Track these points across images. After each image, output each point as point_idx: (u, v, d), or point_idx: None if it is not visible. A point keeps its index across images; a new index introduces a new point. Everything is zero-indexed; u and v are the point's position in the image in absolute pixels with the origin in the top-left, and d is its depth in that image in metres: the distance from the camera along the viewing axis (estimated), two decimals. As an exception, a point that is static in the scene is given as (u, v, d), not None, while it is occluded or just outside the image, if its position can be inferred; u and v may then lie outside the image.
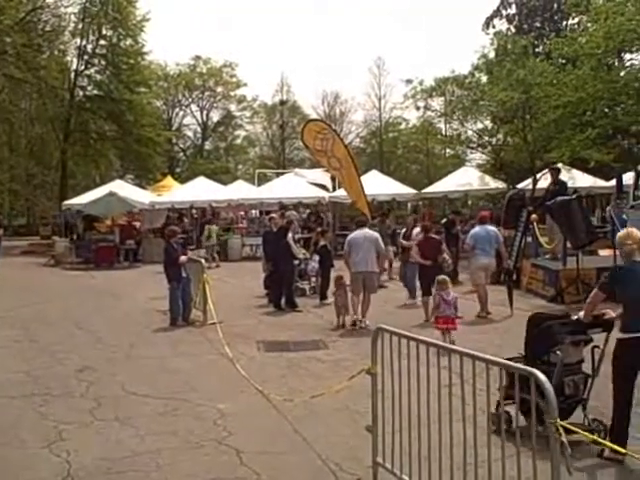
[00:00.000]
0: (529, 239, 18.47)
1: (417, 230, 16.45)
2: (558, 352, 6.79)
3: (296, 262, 16.74)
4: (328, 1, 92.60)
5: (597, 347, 6.92)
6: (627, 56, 27.70)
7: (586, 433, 5.41)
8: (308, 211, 34.65)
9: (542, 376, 4.28)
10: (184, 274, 14.25)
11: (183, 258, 14.25)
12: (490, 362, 4.72)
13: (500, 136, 33.48)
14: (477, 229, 14.53)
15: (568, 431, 4.37)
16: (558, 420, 4.19)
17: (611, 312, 6.89)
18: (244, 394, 8.86)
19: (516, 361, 6.13)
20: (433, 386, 5.15)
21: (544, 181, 21.23)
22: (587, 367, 7.08)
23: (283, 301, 15.79)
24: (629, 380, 6.42)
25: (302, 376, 9.80)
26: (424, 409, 5.27)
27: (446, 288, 11.50)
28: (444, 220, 23.59)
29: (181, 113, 67.78)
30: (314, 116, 54.37)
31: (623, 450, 5.43)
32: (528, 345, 7.34)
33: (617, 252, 14.93)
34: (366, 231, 13.82)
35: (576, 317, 7.05)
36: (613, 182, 25.39)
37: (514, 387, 4.63)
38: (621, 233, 6.86)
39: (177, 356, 11.26)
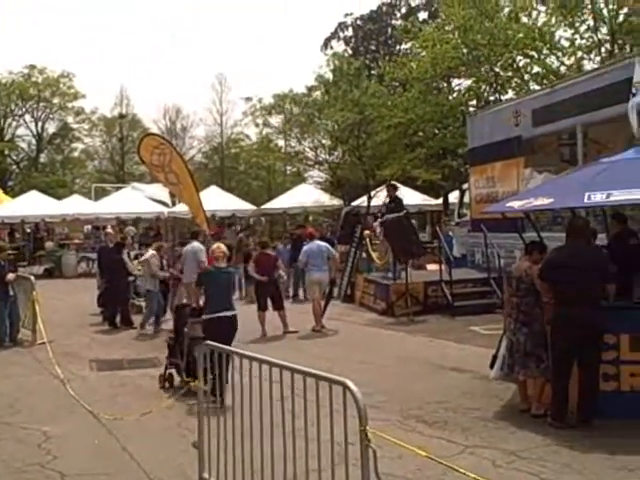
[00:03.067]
0: (363, 254, 19.20)
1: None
2: (186, 329, 9.73)
3: (131, 279, 16.47)
4: (168, 15, 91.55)
5: None
6: (455, 81, 29.37)
7: (394, 439, 5.70)
8: (147, 226, 34.15)
9: (354, 386, 4.53)
10: (11, 292, 13.68)
11: (10, 276, 13.67)
12: (307, 374, 4.90)
13: (337, 154, 34.47)
14: (310, 245, 14.92)
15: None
16: (368, 427, 4.44)
17: None
18: (73, 415, 8.66)
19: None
20: (265, 400, 5.23)
21: (377, 199, 22.08)
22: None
23: (118, 318, 15.50)
24: None
25: (135, 394, 9.68)
26: (257, 423, 5.31)
27: None
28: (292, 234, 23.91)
29: (14, 124, 64.61)
30: (155, 130, 53.55)
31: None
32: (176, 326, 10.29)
33: (443, 267, 15.99)
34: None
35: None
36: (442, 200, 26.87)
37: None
38: None
39: (1, 379, 10.79)
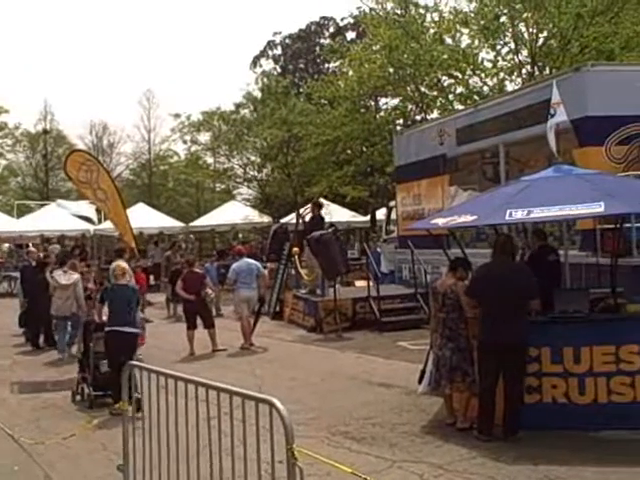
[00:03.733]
0: (292, 271, 19.24)
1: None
2: (91, 344, 10.16)
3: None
4: (93, 30, 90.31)
5: None
6: (382, 100, 29.83)
7: (321, 457, 5.70)
8: (72, 244, 33.43)
9: (280, 405, 4.52)
10: None
11: None
12: (233, 393, 4.88)
13: (266, 171, 34.53)
14: (238, 263, 14.86)
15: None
16: (295, 445, 4.44)
17: None
18: (-8, 440, 8.39)
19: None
20: (192, 420, 5.16)
21: (308, 215, 22.15)
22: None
23: (42, 339, 15.10)
24: None
25: (58, 417, 9.44)
26: (183, 443, 5.24)
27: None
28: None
29: None
30: (81, 146, 52.60)
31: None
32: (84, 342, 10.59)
33: (371, 283, 16.15)
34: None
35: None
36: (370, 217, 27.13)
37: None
38: None
39: None
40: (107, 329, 9.80)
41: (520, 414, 7.50)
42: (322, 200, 26.20)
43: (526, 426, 7.42)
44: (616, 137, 11.42)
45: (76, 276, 13.99)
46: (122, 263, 10.86)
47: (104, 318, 10.32)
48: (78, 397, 10.22)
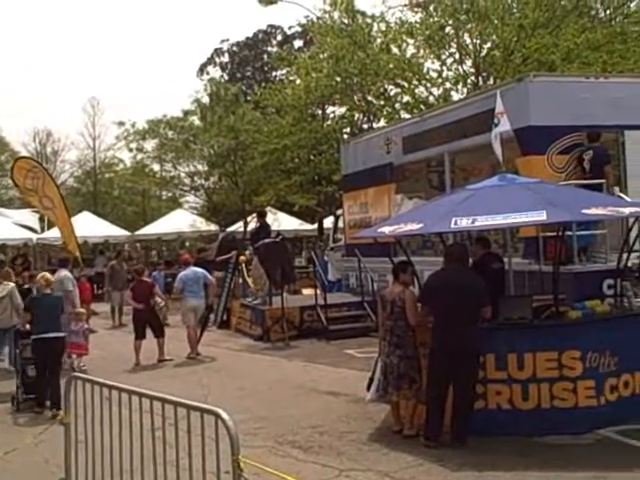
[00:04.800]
0: (240, 280, 19.15)
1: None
2: (17, 350, 10.83)
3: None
4: (38, 35, 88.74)
5: None
6: (329, 109, 29.93)
7: (264, 466, 5.68)
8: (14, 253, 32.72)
9: (226, 415, 4.49)
10: None
11: None
12: (178, 404, 4.83)
13: (213, 179, 34.33)
14: (185, 272, 14.73)
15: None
16: (241, 456, 4.41)
17: None
18: None
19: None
20: (136, 432, 5.10)
21: (252, 224, 22.15)
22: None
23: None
24: None
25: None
26: (127, 455, 5.19)
27: (79, 320, 13.02)
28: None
29: None
30: (24, 153, 51.51)
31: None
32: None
33: (318, 291, 16.17)
34: None
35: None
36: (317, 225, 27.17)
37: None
38: None
39: None
40: (33, 337, 10.27)
41: (469, 422, 7.57)
42: (270, 208, 26.25)
43: (472, 432, 7.49)
44: (557, 147, 11.63)
45: (11, 286, 13.44)
46: (46, 274, 11.28)
47: (27, 327, 10.77)
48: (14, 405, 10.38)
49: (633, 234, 9.17)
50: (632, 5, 22.65)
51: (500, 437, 7.48)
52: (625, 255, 9.18)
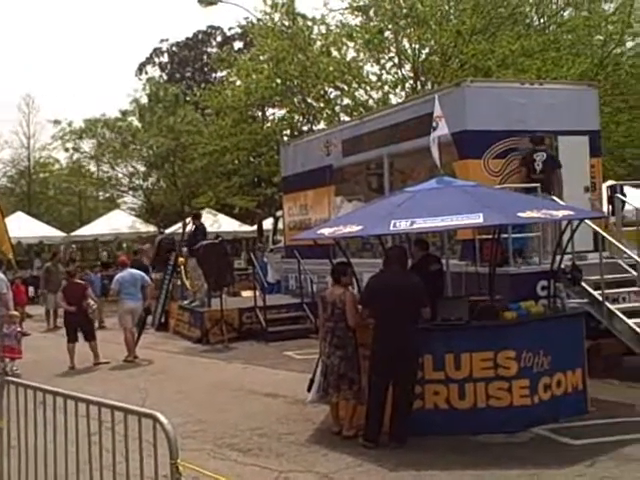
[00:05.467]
0: (178, 282, 18.98)
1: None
2: None
3: None
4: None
5: None
6: (269, 110, 29.87)
7: (203, 469, 5.64)
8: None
9: (164, 419, 4.43)
10: None
11: None
12: (115, 408, 4.74)
13: (152, 180, 33.96)
14: (122, 273, 14.52)
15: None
16: (179, 460, 4.36)
17: None
18: None
19: None
20: (71, 437, 4.99)
21: (189, 227, 21.99)
22: None
23: None
24: None
25: None
26: (62, 461, 5.07)
27: (12, 323, 12.69)
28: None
29: None
30: (-47, 152, 50.14)
31: None
32: None
33: (258, 293, 16.14)
34: None
35: None
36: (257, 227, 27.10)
37: None
38: None
39: None
40: None
41: (409, 422, 7.65)
42: (210, 210, 26.08)
43: (410, 432, 7.58)
44: (493, 151, 11.85)
45: None
46: None
47: None
48: None
49: (566, 237, 9.41)
50: (565, 14, 23.31)
51: (437, 436, 7.59)
52: (558, 257, 9.41)
